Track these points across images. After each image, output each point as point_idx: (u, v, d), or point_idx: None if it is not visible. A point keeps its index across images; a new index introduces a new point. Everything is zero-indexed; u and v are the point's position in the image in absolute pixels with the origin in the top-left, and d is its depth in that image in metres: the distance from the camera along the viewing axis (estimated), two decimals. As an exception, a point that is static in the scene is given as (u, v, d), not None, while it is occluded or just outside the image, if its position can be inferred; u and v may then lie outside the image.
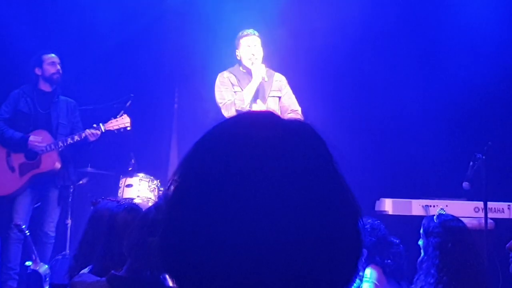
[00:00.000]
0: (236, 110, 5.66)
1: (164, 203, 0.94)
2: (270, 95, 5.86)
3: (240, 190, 0.87)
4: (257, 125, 0.95)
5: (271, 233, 0.85)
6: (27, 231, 5.44)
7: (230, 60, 6.10)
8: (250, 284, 0.85)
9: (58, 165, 6.13)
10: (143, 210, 2.64)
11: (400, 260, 4.48)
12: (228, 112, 5.69)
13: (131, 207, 3.16)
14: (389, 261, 4.42)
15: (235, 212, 0.86)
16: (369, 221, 4.57)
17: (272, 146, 0.90)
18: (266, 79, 5.73)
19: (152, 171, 6.49)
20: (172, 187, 0.93)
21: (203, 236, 0.86)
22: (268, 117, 0.97)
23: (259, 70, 5.70)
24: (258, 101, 5.72)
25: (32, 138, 6.03)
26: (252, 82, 5.71)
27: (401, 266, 4.48)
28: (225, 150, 0.91)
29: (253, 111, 1.01)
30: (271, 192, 0.86)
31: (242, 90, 5.75)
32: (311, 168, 0.91)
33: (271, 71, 5.97)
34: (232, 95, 5.75)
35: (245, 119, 0.98)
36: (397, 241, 4.58)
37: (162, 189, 6.22)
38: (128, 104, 6.42)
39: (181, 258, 0.89)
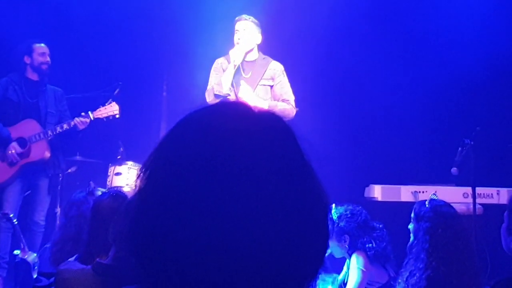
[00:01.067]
0: (215, 95, 5.65)
1: (134, 192, 0.94)
2: (260, 83, 5.77)
3: (208, 182, 0.87)
4: (227, 116, 0.95)
5: (238, 225, 0.85)
6: (15, 220, 5.42)
7: (219, 47, 6.07)
8: (216, 276, 0.85)
9: (47, 154, 6.11)
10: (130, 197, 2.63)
11: (382, 244, 4.49)
12: (208, 98, 5.71)
13: (117, 194, 3.15)
14: (371, 245, 4.44)
15: (202, 205, 0.86)
16: (349, 207, 4.59)
17: (241, 137, 0.90)
18: (236, 63, 5.65)
19: (141, 159, 6.39)
20: (142, 177, 0.93)
21: (170, 227, 0.86)
22: (239, 108, 0.97)
23: (233, 54, 5.66)
24: (242, 88, 5.65)
25: (14, 144, 5.99)
26: (229, 67, 5.68)
27: (384, 249, 4.50)
28: (195, 141, 0.91)
29: (226, 102, 1.00)
30: (239, 184, 0.86)
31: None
32: (280, 161, 0.90)
33: (268, 58, 5.90)
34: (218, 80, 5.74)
35: (216, 110, 0.97)
36: (380, 225, 4.60)
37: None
38: (116, 92, 6.39)
39: (148, 248, 0.89)
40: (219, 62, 5.84)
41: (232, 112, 0.96)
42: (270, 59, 5.89)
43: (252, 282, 0.86)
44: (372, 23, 7.23)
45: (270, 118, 0.96)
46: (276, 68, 5.85)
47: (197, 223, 0.85)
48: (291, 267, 0.88)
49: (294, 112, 5.77)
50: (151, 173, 0.93)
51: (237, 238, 0.84)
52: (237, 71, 5.71)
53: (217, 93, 5.64)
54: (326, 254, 0.95)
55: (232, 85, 5.65)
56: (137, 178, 0.95)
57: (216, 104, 1.00)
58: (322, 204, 0.93)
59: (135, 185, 0.95)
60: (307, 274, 0.92)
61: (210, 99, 5.69)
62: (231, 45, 5.76)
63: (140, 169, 0.96)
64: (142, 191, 0.93)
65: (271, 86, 5.81)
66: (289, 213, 0.88)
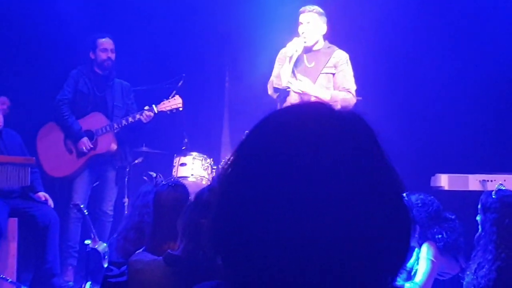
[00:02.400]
0: (274, 88, 5.65)
1: (217, 187, 0.96)
2: (323, 71, 5.71)
3: (291, 179, 0.89)
4: (309, 116, 0.97)
5: (321, 222, 0.87)
6: (85, 211, 5.57)
7: (281, 37, 6.05)
8: (300, 270, 0.87)
9: (114, 146, 6.26)
10: (199, 190, 2.66)
11: (454, 235, 4.40)
12: (269, 90, 5.73)
13: (176, 184, 3.21)
14: (441, 236, 4.36)
15: (285, 201, 0.88)
16: (421, 196, 4.51)
17: (322, 137, 0.92)
18: (293, 56, 5.59)
19: (205, 149, 6.54)
20: (225, 173, 0.96)
21: (253, 223, 0.89)
22: (320, 108, 0.99)
23: (291, 47, 5.61)
24: (302, 82, 5.60)
25: (84, 140, 6.16)
26: (286, 60, 5.63)
27: (457, 241, 4.40)
28: (277, 141, 0.93)
29: (307, 102, 1.02)
30: (322, 183, 0.88)
31: (296, 66, 5.66)
32: (361, 160, 0.92)
33: (334, 47, 5.81)
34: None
35: (298, 110, 1.00)
36: (452, 216, 4.50)
37: (215, 167, 6.27)
38: (180, 84, 6.48)
39: (231, 243, 0.92)
40: (283, 52, 5.80)
41: (314, 112, 0.98)
42: (336, 47, 5.81)
43: (336, 277, 0.87)
44: (437, 10, 7.08)
45: (351, 118, 0.97)
46: (340, 57, 5.76)
47: (280, 220, 0.87)
48: (375, 263, 0.90)
49: (354, 101, 5.71)
50: (234, 171, 0.95)
51: (321, 235, 0.86)
52: (300, 61, 5.68)
53: (276, 86, 5.63)
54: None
55: (294, 76, 5.63)
56: (219, 175, 0.98)
57: (298, 104, 1.02)
58: (403, 203, 0.94)
59: (217, 181, 0.98)
60: (390, 269, 0.93)
61: (270, 91, 5.72)
62: (295, 34, 5.73)
63: (222, 167, 0.98)
64: (224, 188, 0.96)
65: (333, 74, 5.76)
66: (371, 212, 0.89)
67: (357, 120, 0.97)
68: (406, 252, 0.94)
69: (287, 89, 5.60)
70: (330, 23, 5.82)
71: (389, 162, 0.96)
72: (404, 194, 0.96)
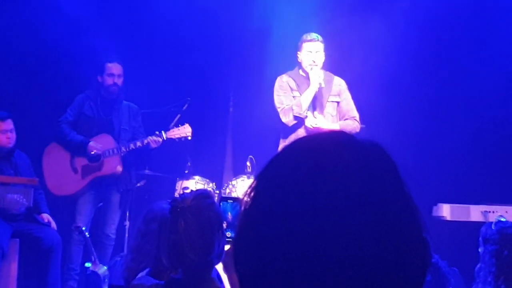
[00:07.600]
0: (294, 117, 5.67)
1: (240, 215, 0.97)
2: (329, 100, 5.85)
3: (310, 211, 0.89)
4: (329, 145, 0.97)
5: (340, 256, 0.87)
6: (87, 233, 5.57)
7: (286, 63, 6.11)
8: None
9: (119, 168, 6.26)
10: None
11: None
12: (286, 118, 5.70)
13: None
14: None
15: (304, 233, 0.88)
16: None
17: (343, 167, 0.92)
18: (323, 85, 5.70)
19: (208, 173, 6.56)
20: (246, 202, 0.97)
21: (272, 251, 0.90)
22: (340, 137, 0.99)
23: (317, 76, 5.67)
24: (316, 114, 5.73)
25: (92, 143, 6.18)
26: (309, 88, 5.69)
27: None
28: (297, 171, 0.93)
29: (326, 131, 1.03)
30: (341, 215, 0.89)
31: (301, 95, 5.74)
32: (382, 192, 0.92)
33: (331, 74, 5.93)
34: (290, 100, 5.74)
35: (319, 139, 1.00)
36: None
37: (218, 192, 6.27)
38: (185, 107, 6.52)
39: (252, 271, 0.93)
40: (284, 80, 5.86)
41: (335, 141, 0.98)
42: (332, 74, 5.93)
43: None
44: (454, 31, 7.08)
45: (372, 147, 0.97)
46: (341, 84, 5.93)
47: (295, 250, 0.88)
48: None
49: (359, 129, 5.81)
50: (255, 196, 0.96)
51: (334, 268, 0.87)
52: (304, 91, 5.75)
53: (296, 114, 5.66)
54: None
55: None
56: (243, 197, 0.98)
57: (320, 133, 1.03)
58: (421, 239, 0.94)
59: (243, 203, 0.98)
60: None
61: (287, 119, 5.71)
62: (294, 61, 5.82)
63: (243, 195, 0.99)
64: (246, 213, 0.96)
65: (338, 103, 5.86)
66: (389, 247, 0.89)
67: (377, 150, 0.97)
68: (422, 279, 0.93)
69: (305, 118, 5.66)
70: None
71: (409, 193, 0.95)
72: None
